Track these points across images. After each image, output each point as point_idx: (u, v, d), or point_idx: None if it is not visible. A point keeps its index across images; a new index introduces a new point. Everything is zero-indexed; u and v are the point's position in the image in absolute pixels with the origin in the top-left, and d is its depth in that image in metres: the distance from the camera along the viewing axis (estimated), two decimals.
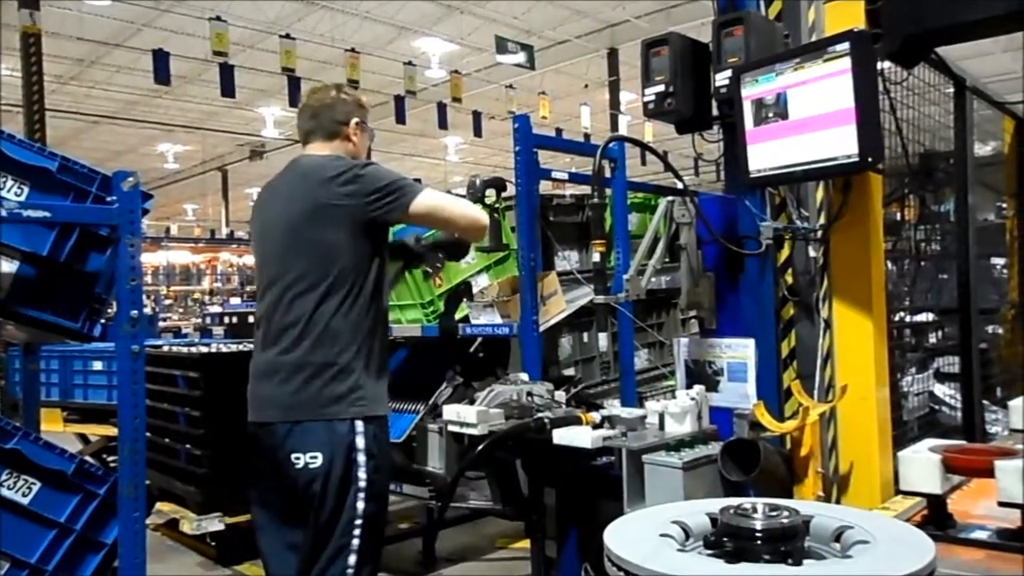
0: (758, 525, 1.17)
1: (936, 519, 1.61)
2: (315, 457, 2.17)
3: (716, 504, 1.29)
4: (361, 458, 2.18)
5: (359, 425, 2.19)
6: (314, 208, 2.26)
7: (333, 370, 2.20)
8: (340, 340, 2.23)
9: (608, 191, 3.30)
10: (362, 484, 2.17)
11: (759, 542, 1.16)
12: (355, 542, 2.16)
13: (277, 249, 2.34)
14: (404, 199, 2.27)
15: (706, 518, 1.28)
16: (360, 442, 2.18)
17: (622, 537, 1.24)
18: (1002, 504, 1.51)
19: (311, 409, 2.20)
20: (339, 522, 2.16)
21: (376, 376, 2.29)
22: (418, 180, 2.49)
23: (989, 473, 1.53)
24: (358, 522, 2.17)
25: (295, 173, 2.40)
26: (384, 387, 2.34)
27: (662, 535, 1.23)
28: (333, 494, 2.17)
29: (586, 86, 18.17)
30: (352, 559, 2.16)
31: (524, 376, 2.91)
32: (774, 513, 1.20)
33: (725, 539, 1.20)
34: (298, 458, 2.18)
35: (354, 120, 2.45)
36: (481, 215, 2.48)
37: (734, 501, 1.28)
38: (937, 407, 3.22)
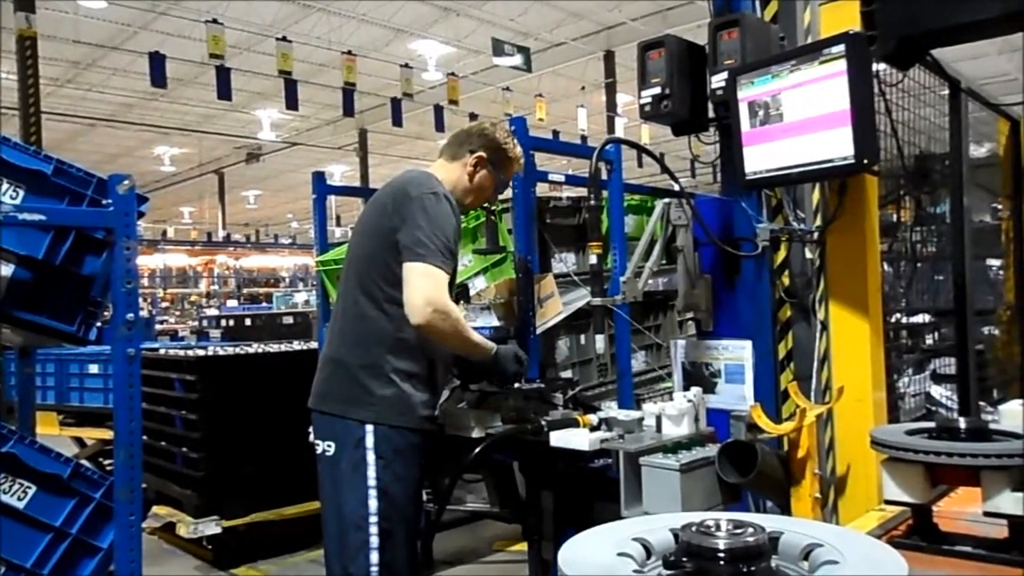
0: (720, 544, 1.09)
1: (921, 529, 1.58)
2: (330, 446, 2.28)
3: (681, 519, 1.20)
4: (370, 456, 2.22)
5: (368, 427, 2.23)
6: (377, 214, 2.36)
7: (351, 370, 2.28)
8: (365, 345, 2.29)
9: (605, 193, 3.30)
10: (371, 482, 2.21)
11: (721, 562, 1.08)
12: (374, 540, 2.20)
13: (352, 246, 2.46)
14: (410, 254, 2.20)
15: (670, 535, 1.19)
16: (369, 440, 2.22)
17: (576, 555, 1.16)
18: (988, 514, 1.48)
19: (330, 402, 2.31)
20: (355, 515, 2.22)
21: (408, 386, 2.27)
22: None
23: (975, 482, 1.50)
24: (373, 519, 2.20)
25: (396, 178, 2.47)
26: (424, 398, 2.30)
27: (620, 554, 1.15)
28: (346, 485, 2.23)
29: (583, 88, 18.17)
30: (374, 556, 2.20)
31: None
32: (738, 531, 1.12)
33: (685, 559, 1.12)
34: (317, 444, 2.33)
35: (477, 154, 2.49)
36: (444, 328, 2.21)
37: (697, 517, 1.19)
38: (934, 408, 3.22)
